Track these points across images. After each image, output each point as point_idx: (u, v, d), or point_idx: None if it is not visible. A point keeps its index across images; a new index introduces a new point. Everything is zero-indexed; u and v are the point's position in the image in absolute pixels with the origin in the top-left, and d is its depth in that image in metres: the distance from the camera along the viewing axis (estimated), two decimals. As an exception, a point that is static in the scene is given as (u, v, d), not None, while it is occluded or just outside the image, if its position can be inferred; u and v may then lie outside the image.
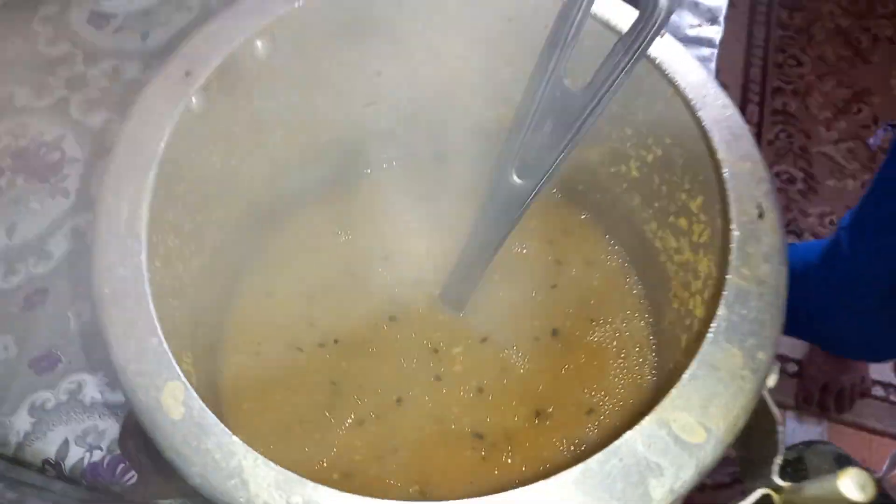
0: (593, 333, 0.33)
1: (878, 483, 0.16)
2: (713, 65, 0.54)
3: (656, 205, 0.31)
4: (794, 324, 0.91)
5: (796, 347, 1.18)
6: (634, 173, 0.31)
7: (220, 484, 0.17)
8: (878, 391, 1.15)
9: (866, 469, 0.17)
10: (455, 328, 0.32)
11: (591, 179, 0.34)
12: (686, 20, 0.55)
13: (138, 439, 0.33)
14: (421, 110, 0.33)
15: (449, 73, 0.32)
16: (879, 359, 0.95)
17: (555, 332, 0.33)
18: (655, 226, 0.31)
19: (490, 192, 0.29)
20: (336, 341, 0.33)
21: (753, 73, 1.43)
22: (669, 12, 0.23)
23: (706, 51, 0.54)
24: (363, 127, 0.33)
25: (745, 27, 1.49)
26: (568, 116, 0.27)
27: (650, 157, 0.29)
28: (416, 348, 0.32)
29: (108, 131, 0.48)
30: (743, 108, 1.40)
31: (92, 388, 0.40)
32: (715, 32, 0.56)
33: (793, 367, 1.18)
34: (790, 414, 1.14)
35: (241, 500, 0.17)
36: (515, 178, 0.29)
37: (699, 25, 0.56)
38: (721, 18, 0.56)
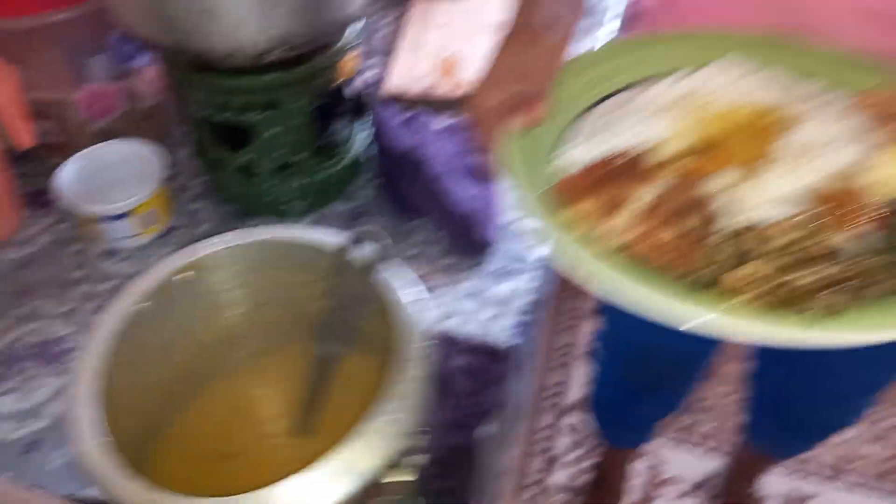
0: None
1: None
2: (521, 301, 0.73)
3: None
4: (620, 434, 1.24)
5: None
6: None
7: (119, 494, 0.35)
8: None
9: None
10: (296, 452, 0.50)
11: (383, 339, 0.53)
12: (501, 262, 0.76)
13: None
14: (269, 313, 0.54)
15: (286, 292, 0.53)
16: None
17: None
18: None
19: (315, 356, 0.49)
20: (233, 455, 0.51)
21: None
22: (382, 258, 0.45)
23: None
24: (237, 329, 0.55)
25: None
26: (352, 306, 0.48)
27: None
28: (278, 461, 0.50)
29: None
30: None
31: (64, 507, 0.57)
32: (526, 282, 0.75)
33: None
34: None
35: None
36: (329, 345, 0.49)
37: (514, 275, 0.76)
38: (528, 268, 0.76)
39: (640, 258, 0.40)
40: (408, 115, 0.82)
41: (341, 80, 0.75)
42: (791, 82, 0.48)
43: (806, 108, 0.46)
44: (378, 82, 0.97)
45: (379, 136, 0.80)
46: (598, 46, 0.56)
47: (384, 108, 0.82)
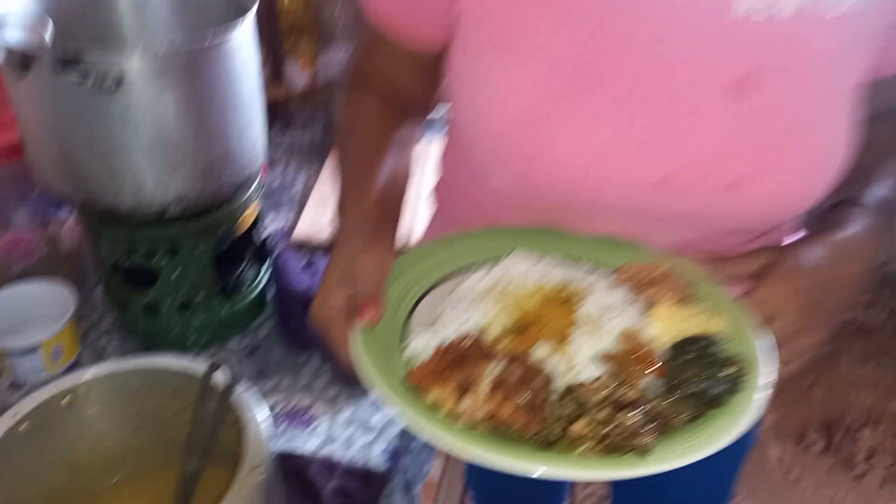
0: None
1: None
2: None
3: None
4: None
5: None
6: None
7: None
8: None
9: None
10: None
11: (237, 451, 0.58)
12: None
13: None
14: (143, 437, 0.60)
15: (158, 417, 0.59)
16: None
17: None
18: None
19: (181, 473, 0.55)
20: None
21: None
22: (232, 388, 0.53)
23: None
24: (113, 452, 0.60)
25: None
26: (206, 430, 0.54)
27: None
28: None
29: None
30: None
31: None
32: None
33: None
34: None
35: None
36: (194, 461, 0.55)
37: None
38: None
39: (497, 426, 0.48)
40: (307, 259, 0.92)
41: (242, 229, 0.85)
42: (567, 264, 0.61)
43: (585, 283, 0.58)
44: (286, 231, 1.08)
45: (278, 278, 0.89)
46: (415, 247, 0.65)
47: (286, 253, 0.92)
